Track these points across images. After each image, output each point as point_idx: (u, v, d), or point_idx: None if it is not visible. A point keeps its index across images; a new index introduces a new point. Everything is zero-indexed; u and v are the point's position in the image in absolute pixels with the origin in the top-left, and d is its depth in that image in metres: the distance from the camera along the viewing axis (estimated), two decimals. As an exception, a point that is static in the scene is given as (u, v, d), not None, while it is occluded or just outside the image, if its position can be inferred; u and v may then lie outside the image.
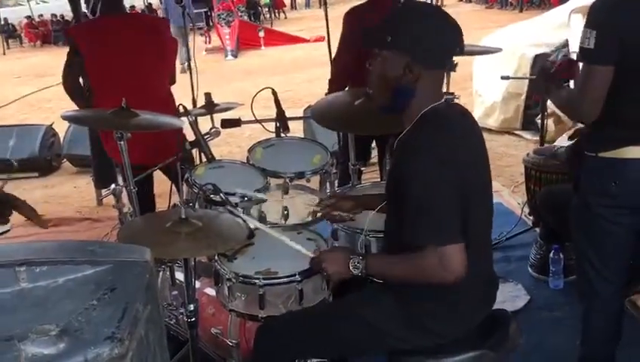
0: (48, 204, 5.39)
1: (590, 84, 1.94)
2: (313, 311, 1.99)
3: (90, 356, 0.64)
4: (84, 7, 4.93)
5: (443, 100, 1.74)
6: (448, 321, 1.77)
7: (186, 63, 6.79)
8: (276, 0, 24.79)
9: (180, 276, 2.61)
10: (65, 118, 2.28)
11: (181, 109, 2.32)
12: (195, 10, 16.65)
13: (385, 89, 1.74)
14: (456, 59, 2.91)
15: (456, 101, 3.20)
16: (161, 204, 3.57)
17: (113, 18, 3.26)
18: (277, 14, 25.00)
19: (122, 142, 2.29)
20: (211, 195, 2.27)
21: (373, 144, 3.95)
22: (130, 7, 17.77)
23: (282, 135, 2.72)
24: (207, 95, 2.87)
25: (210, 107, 2.83)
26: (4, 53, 21.51)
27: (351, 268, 1.78)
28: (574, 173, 2.31)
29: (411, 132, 1.73)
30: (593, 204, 2.11)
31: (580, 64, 2.04)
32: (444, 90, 3.12)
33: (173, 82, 3.43)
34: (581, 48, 1.95)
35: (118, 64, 3.10)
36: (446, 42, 1.71)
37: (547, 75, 2.37)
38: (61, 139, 6.46)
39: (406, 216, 1.66)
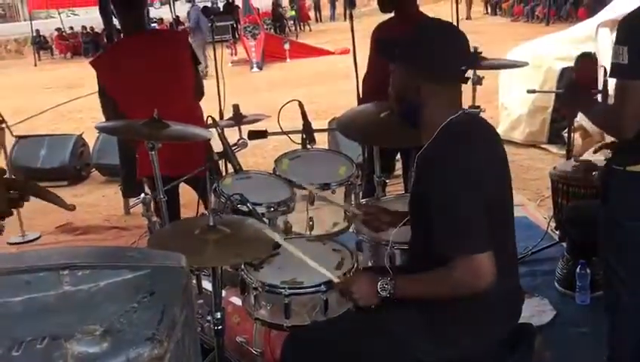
0: (77, 212, 5.45)
1: (629, 99, 1.92)
2: (339, 323, 1.99)
3: (131, 355, 0.67)
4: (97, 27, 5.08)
5: (460, 112, 1.77)
6: (474, 334, 1.76)
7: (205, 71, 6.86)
8: (302, 12, 25.00)
9: (206, 284, 2.65)
10: (98, 128, 2.35)
11: (209, 121, 2.36)
12: (222, 23, 16.88)
13: (395, 99, 1.84)
14: (481, 73, 2.95)
15: (481, 114, 3.23)
16: (186, 215, 3.63)
17: (130, 39, 3.29)
18: (302, 27, 25.21)
19: (153, 153, 2.35)
20: (238, 205, 2.31)
21: (398, 156, 3.96)
22: (159, 19, 18.11)
23: (308, 146, 2.76)
24: (235, 107, 2.93)
25: (238, 119, 2.88)
26: (36, 65, 22.03)
27: (379, 290, 1.78)
28: (602, 187, 2.29)
29: (430, 146, 1.76)
30: (621, 218, 2.09)
31: (595, 72, 2.04)
32: (470, 103, 3.17)
33: (201, 93, 3.46)
34: (615, 65, 1.94)
35: (140, 81, 3.14)
36: (453, 57, 1.76)
37: (576, 89, 2.36)
38: (90, 149, 6.58)
39: (434, 229, 1.67)
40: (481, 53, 2.89)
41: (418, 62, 1.74)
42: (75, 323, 0.73)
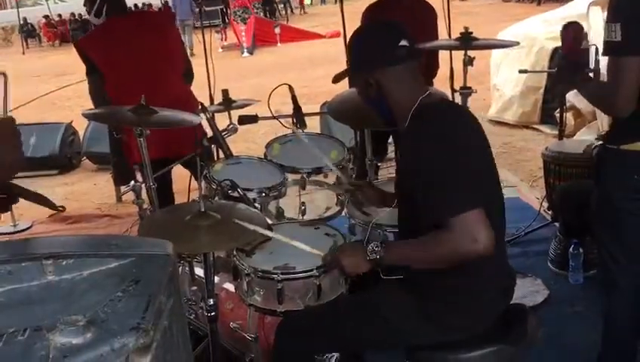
0: (68, 201, 5.46)
1: (623, 76, 1.89)
2: (331, 307, 2.00)
3: (116, 345, 0.66)
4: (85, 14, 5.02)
5: (427, 92, 1.79)
6: (464, 314, 1.76)
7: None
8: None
9: (199, 271, 2.63)
10: (85, 115, 2.32)
11: (199, 106, 2.33)
12: (211, 8, 16.76)
13: (369, 106, 1.90)
14: (472, 53, 2.92)
15: (473, 95, 3.21)
16: (179, 201, 3.62)
17: (118, 20, 3.28)
18: (292, 10, 25.01)
19: (141, 139, 2.32)
20: (229, 191, 2.29)
21: (390, 140, 3.95)
22: (148, 4, 17.94)
23: (299, 131, 2.73)
24: (225, 92, 2.89)
25: (228, 104, 2.85)
26: (24, 53, 21.78)
27: (368, 253, 1.72)
28: (595, 166, 2.29)
29: (408, 128, 1.77)
30: (615, 197, 2.09)
31: (587, 47, 2.02)
32: (462, 84, 3.15)
33: (191, 76, 3.45)
34: (608, 43, 1.91)
35: (130, 65, 3.15)
36: (381, 42, 1.81)
37: (570, 67, 2.35)
38: (80, 137, 6.53)
39: (424, 201, 1.66)
40: (471, 33, 2.86)
41: (360, 65, 1.85)
42: (58, 314, 0.71)
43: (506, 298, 1.87)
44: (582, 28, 2.41)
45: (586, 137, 5.08)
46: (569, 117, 5.14)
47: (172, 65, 3.30)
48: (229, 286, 2.59)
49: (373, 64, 1.79)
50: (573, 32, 2.41)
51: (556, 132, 5.13)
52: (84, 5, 3.41)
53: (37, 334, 0.66)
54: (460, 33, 2.90)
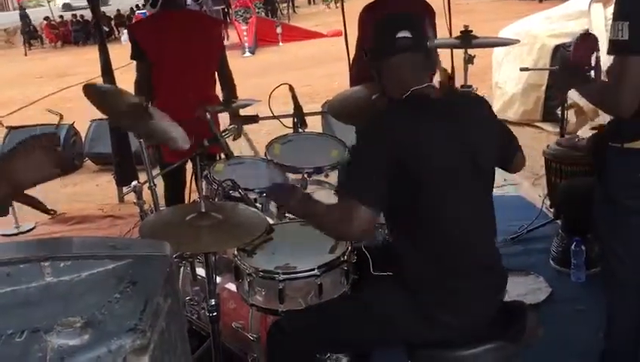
0: (71, 201, 5.47)
1: (629, 75, 1.86)
2: (328, 308, 1.98)
3: (113, 347, 0.66)
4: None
5: (424, 85, 1.80)
6: (454, 311, 1.77)
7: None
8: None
9: (200, 271, 2.63)
10: (86, 88, 2.25)
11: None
12: (214, 8, 16.84)
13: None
14: (473, 51, 2.92)
15: (475, 92, 3.19)
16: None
17: (171, 13, 3.34)
18: (295, 9, 25.01)
19: (142, 140, 2.32)
20: (230, 191, 2.30)
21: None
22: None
23: (300, 130, 2.73)
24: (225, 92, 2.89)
25: (229, 104, 2.85)
26: (26, 54, 21.84)
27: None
28: (597, 164, 2.28)
29: (385, 109, 1.89)
30: (617, 195, 2.08)
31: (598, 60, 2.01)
32: (462, 82, 3.14)
33: (228, 85, 3.49)
34: (614, 42, 1.88)
35: (173, 60, 3.23)
36: (382, 33, 1.87)
37: (571, 68, 2.33)
38: (82, 138, 6.54)
39: None
40: (471, 31, 2.85)
41: (368, 53, 1.91)
42: (56, 315, 0.71)
43: (496, 296, 1.87)
44: (597, 40, 2.40)
45: (587, 135, 5.09)
46: (571, 114, 5.12)
47: (209, 69, 3.37)
48: (231, 286, 2.59)
49: (375, 54, 1.86)
50: (587, 44, 2.39)
51: (558, 130, 5.13)
52: None
53: (35, 336, 0.67)
54: (460, 31, 2.90)
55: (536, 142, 5.49)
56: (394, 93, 1.83)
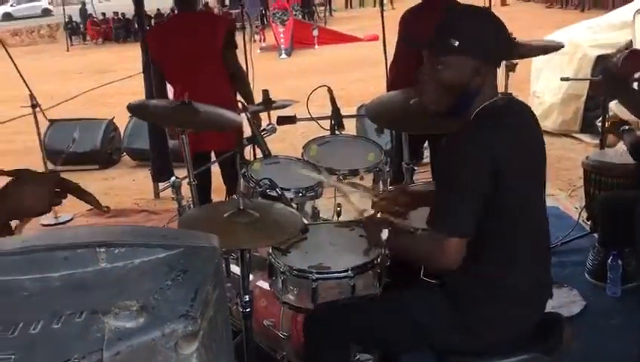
0: (107, 195, 5.59)
1: None
2: (361, 304, 1.99)
3: (166, 331, 0.69)
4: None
5: (498, 97, 1.73)
6: (502, 331, 1.76)
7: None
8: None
9: (234, 268, 2.67)
10: (130, 107, 2.36)
11: (240, 106, 2.38)
12: (252, 9, 17.11)
13: (450, 95, 1.69)
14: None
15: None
16: (215, 200, 3.69)
17: (181, 16, 3.42)
18: (332, 12, 25.08)
19: (184, 136, 2.37)
20: (267, 190, 2.33)
21: (426, 144, 3.93)
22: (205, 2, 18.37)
23: (337, 132, 2.76)
24: (265, 92, 2.93)
25: (268, 104, 2.89)
26: (68, 50, 22.37)
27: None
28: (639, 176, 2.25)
29: (459, 129, 1.71)
30: None
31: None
32: (504, 90, 3.12)
33: (239, 77, 3.50)
34: None
35: (177, 62, 3.29)
36: (504, 39, 1.71)
37: (614, 76, 2.30)
38: (121, 134, 6.68)
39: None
40: (515, 39, 2.82)
41: (480, 50, 1.65)
42: (112, 299, 0.74)
43: (538, 311, 1.85)
44: None
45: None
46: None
47: (219, 67, 3.40)
48: (263, 284, 2.62)
49: (494, 58, 1.70)
50: (634, 60, 2.37)
51: (596, 141, 5.04)
52: None
53: (93, 317, 0.70)
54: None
55: (573, 153, 5.42)
56: (480, 102, 1.69)
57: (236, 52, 3.46)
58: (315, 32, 16.38)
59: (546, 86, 5.95)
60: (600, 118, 4.95)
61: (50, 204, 1.28)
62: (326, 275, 2.05)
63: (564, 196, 4.51)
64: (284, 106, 2.94)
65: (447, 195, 1.68)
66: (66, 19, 24.18)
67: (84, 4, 26.64)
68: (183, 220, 1.88)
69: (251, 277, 2.65)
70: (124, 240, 0.86)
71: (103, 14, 25.40)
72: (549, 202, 4.33)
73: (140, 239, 0.87)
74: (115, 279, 0.80)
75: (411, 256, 1.88)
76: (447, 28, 1.68)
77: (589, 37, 5.73)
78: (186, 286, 0.77)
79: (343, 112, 2.82)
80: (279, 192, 2.23)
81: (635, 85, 2.70)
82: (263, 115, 3.11)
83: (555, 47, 2.94)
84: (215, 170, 3.52)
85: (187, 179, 2.53)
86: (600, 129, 4.32)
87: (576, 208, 3.98)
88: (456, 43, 1.62)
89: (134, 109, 2.28)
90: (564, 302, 3.00)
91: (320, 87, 2.73)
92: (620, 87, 2.20)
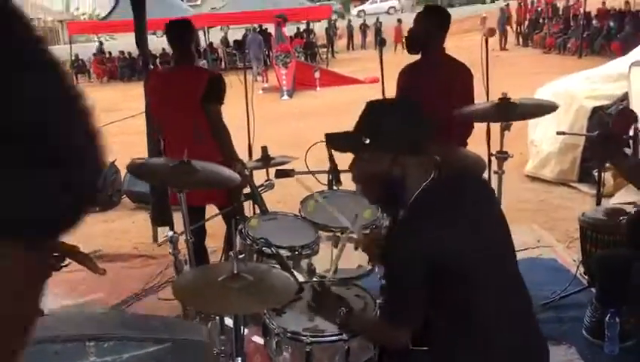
0: (108, 238, 5.60)
1: None
2: None
3: None
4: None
5: (432, 176, 1.74)
6: None
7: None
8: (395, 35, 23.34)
9: (229, 322, 2.66)
10: (131, 170, 2.40)
11: (239, 165, 2.41)
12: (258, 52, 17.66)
13: (375, 186, 1.79)
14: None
15: (509, 154, 3.17)
16: (210, 245, 3.72)
17: (169, 70, 3.51)
18: (334, 54, 25.47)
19: (181, 195, 2.39)
20: (263, 248, 2.34)
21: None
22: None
23: (334, 188, 2.78)
24: (264, 149, 2.97)
25: (266, 161, 2.92)
26: (74, 88, 22.61)
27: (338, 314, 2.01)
28: (634, 233, 2.25)
29: (401, 221, 1.82)
30: None
31: (631, 124, 2.01)
32: (499, 148, 3.15)
33: (217, 136, 3.30)
34: None
35: (166, 113, 3.41)
36: (420, 129, 1.75)
37: (609, 141, 2.33)
38: (122, 176, 6.72)
39: None
40: (509, 99, 2.87)
41: (393, 144, 1.72)
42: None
43: None
44: (636, 117, 2.41)
45: (624, 199, 5.00)
46: (608, 177, 5.05)
47: (200, 120, 3.30)
48: (258, 339, 2.61)
49: (412, 148, 1.73)
50: (626, 118, 2.42)
51: (594, 191, 5.06)
52: None
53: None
54: (499, 99, 2.90)
55: (571, 203, 5.43)
56: (414, 187, 1.73)
57: (216, 108, 3.30)
58: (317, 74, 16.59)
59: (543, 135, 6.01)
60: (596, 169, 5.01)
61: (51, 269, 1.29)
62: (320, 338, 2.04)
63: (561, 248, 4.50)
64: (282, 163, 2.98)
65: (388, 291, 1.84)
66: (72, 57, 24.54)
67: (101, 43, 27.15)
68: (177, 283, 1.88)
69: (246, 331, 2.64)
70: (114, 332, 0.87)
71: (109, 53, 25.80)
72: (547, 254, 4.38)
73: (129, 331, 0.89)
74: (103, 376, 0.81)
75: (365, 337, 2.03)
76: (360, 126, 1.77)
77: (586, 88, 5.81)
78: (173, 387, 0.78)
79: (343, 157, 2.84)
80: (274, 251, 2.24)
81: (631, 146, 2.73)
82: (262, 171, 3.14)
83: (552, 108, 2.98)
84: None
85: (184, 236, 2.54)
86: (597, 179, 4.34)
87: (574, 261, 3.97)
88: (367, 140, 1.72)
89: (134, 170, 2.31)
90: (562, 361, 2.97)
91: (318, 143, 2.76)
92: (613, 153, 2.23)
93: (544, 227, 4.93)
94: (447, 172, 1.78)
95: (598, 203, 3.97)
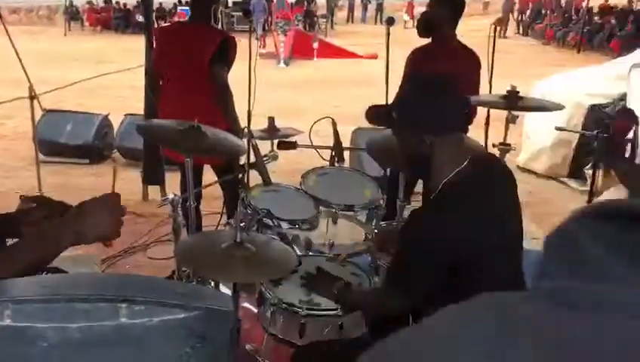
0: (96, 192, 5.53)
1: None
2: (346, 346, 2.02)
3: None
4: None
5: (466, 162, 1.73)
6: None
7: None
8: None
9: (223, 288, 2.69)
10: (139, 129, 2.39)
11: (245, 132, 2.41)
12: (261, 20, 17.44)
13: (407, 160, 1.87)
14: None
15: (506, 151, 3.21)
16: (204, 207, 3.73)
17: (183, 24, 3.47)
18: (333, 25, 25.21)
19: (188, 160, 2.39)
20: (264, 219, 2.36)
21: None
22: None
23: (337, 165, 2.80)
24: (271, 119, 2.97)
25: (272, 132, 2.92)
26: (65, 35, 22.19)
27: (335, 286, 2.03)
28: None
29: (422, 208, 1.86)
30: None
31: (632, 126, 2.03)
32: (503, 140, 3.18)
33: (219, 96, 3.30)
34: None
35: (169, 70, 3.38)
36: (449, 110, 1.76)
37: (609, 146, 2.36)
38: (115, 130, 6.65)
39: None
40: (518, 92, 2.88)
41: (420, 123, 1.74)
42: (128, 359, 0.77)
43: None
44: (636, 119, 2.44)
45: (613, 197, 5.07)
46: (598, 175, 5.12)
47: (205, 82, 3.28)
48: (248, 305, 2.64)
49: (438, 128, 1.73)
50: (627, 119, 2.44)
51: (584, 188, 5.13)
52: None
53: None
54: (507, 91, 2.91)
55: (559, 198, 5.50)
56: (445, 170, 1.73)
57: (224, 71, 3.28)
58: (316, 45, 16.45)
59: (537, 128, 6.05)
60: (589, 165, 5.07)
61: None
62: (316, 311, 2.07)
63: (548, 241, 4.57)
64: (288, 135, 2.98)
65: (400, 260, 1.81)
66: (66, 3, 23.99)
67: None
68: (178, 249, 1.89)
69: (237, 298, 2.67)
70: (144, 294, 0.89)
71: (105, 2, 25.26)
72: (532, 246, 4.44)
73: (158, 295, 0.90)
74: (135, 338, 0.83)
75: (362, 307, 2.07)
76: (394, 106, 1.82)
77: (584, 85, 5.84)
78: (204, 354, 0.80)
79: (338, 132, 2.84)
80: (275, 223, 2.26)
81: (628, 149, 2.77)
82: (266, 142, 3.14)
83: (557, 108, 3.01)
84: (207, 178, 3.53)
85: (184, 198, 2.54)
86: (588, 176, 4.40)
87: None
88: (398, 119, 1.78)
89: (142, 129, 2.29)
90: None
91: (323, 118, 2.77)
92: (616, 162, 2.26)
93: (531, 220, 4.99)
94: (478, 160, 1.77)
95: (589, 201, 4.02)
